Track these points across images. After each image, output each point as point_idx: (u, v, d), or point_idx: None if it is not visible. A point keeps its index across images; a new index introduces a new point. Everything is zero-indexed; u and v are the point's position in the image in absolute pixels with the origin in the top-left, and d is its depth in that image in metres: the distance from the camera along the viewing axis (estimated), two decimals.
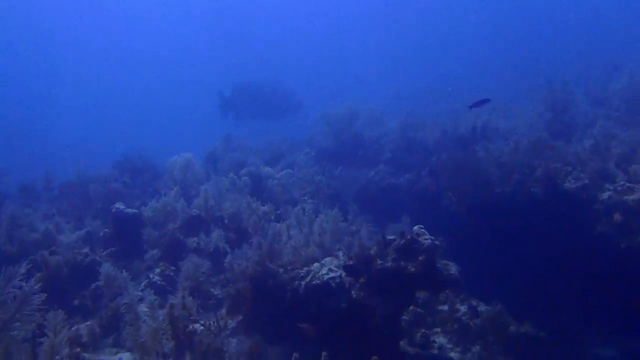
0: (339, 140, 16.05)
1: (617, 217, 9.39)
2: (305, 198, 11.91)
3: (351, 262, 8.08)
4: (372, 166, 15.08)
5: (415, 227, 8.10)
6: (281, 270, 8.55)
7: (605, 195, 9.69)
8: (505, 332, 8.32)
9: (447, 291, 9.76)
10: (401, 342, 8.36)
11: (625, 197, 9.41)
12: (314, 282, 7.78)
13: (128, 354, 7.61)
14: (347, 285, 7.80)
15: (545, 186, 10.14)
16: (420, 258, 7.67)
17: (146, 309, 7.45)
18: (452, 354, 8.40)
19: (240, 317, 8.46)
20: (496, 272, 10.57)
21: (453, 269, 8.14)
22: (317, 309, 7.58)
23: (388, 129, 16.65)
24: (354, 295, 7.71)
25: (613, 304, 9.26)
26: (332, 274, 7.84)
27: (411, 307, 9.19)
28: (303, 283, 7.91)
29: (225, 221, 10.74)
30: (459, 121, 14.66)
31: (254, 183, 12.32)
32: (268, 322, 8.19)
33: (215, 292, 9.33)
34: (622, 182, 9.60)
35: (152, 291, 7.89)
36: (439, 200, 12.39)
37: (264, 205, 10.77)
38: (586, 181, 10.13)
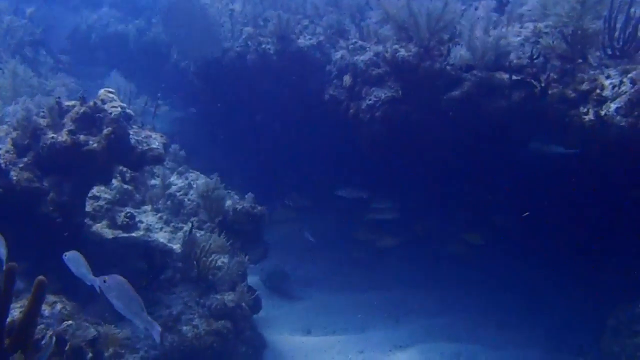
0: None
1: (347, 79, 8.79)
2: None
3: (14, 134, 6.14)
4: (94, 7, 12.23)
5: (102, 91, 6.36)
6: None
7: (339, 54, 8.94)
8: (220, 206, 7.47)
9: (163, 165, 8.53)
10: (98, 225, 7.03)
11: (357, 57, 8.73)
12: None
13: None
14: (3, 164, 5.90)
15: (278, 42, 9.02)
16: (105, 131, 6.05)
17: None
18: (159, 235, 7.35)
19: None
20: (225, 140, 9.60)
21: (156, 142, 6.69)
22: None
23: None
24: (15, 177, 5.89)
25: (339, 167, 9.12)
26: None
27: (116, 184, 7.77)
28: None
29: None
30: None
31: None
32: None
33: None
34: (354, 40, 8.89)
35: None
36: (169, 54, 10.57)
37: None
38: (321, 38, 9.29)
